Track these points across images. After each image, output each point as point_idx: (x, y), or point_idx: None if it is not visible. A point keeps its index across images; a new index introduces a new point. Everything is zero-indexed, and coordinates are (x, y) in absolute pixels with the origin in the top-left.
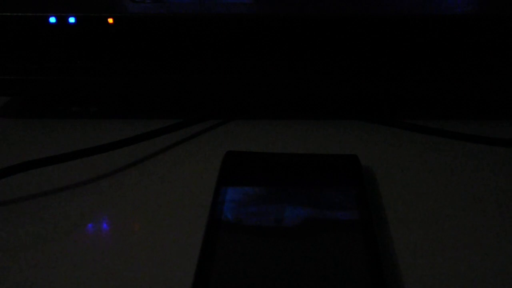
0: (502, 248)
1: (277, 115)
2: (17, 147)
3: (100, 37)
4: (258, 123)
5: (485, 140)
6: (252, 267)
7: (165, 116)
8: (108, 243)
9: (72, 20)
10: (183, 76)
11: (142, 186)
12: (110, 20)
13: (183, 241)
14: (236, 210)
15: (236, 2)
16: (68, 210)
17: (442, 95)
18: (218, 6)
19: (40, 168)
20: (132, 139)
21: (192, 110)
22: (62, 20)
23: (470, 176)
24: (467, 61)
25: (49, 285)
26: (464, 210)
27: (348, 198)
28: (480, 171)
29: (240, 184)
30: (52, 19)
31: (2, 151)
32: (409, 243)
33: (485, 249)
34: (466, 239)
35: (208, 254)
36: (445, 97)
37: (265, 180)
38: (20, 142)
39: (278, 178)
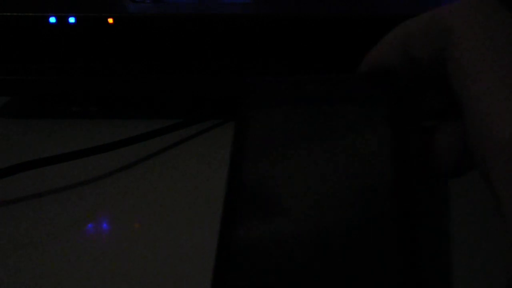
0: None
1: None
2: (17, 147)
3: (100, 37)
4: None
5: None
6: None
7: (165, 116)
8: (108, 243)
9: (72, 20)
10: (183, 76)
11: (142, 186)
12: (110, 20)
13: (184, 241)
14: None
15: (236, 2)
16: (68, 210)
17: None
18: (218, 6)
19: (40, 168)
20: (132, 139)
21: (192, 110)
22: (62, 20)
23: None
24: None
25: (49, 285)
26: None
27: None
28: None
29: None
30: (52, 19)
31: (2, 151)
32: None
33: None
34: None
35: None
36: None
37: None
38: (20, 142)
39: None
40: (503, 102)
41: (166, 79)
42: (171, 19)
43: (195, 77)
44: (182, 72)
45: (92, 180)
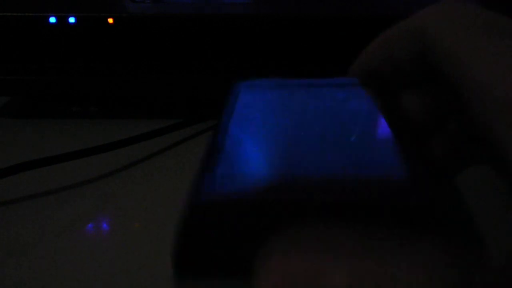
0: None
1: None
2: (17, 147)
3: (100, 37)
4: None
5: None
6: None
7: (165, 116)
8: (108, 243)
9: (72, 20)
10: (183, 76)
11: (142, 186)
12: (110, 20)
13: None
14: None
15: (236, 2)
16: (68, 210)
17: None
18: (218, 6)
19: (40, 168)
20: (132, 139)
21: (192, 110)
22: (62, 20)
23: None
24: None
25: (49, 285)
26: None
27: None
28: None
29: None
30: (52, 19)
31: (2, 151)
32: None
33: None
34: None
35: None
36: None
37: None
38: (20, 142)
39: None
40: (491, 67)
41: (166, 79)
42: (171, 19)
43: (195, 77)
44: (182, 72)
45: (92, 180)
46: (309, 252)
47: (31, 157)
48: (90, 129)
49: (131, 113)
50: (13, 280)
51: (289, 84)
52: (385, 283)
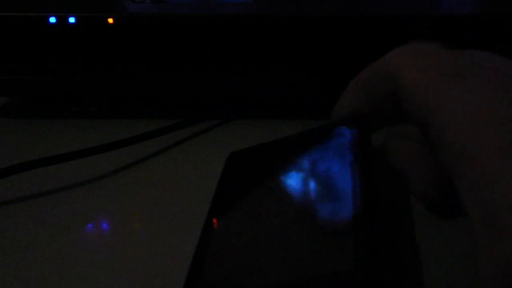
0: None
1: (277, 115)
2: (17, 147)
3: (100, 37)
4: (258, 123)
5: None
6: (245, 261)
7: (165, 116)
8: (108, 243)
9: (72, 20)
10: (183, 76)
11: (142, 186)
12: (110, 20)
13: (184, 241)
14: (234, 208)
15: (236, 2)
16: (68, 210)
17: None
18: (218, 6)
19: (40, 168)
20: (132, 139)
21: (192, 110)
22: (62, 20)
23: None
24: None
25: (49, 285)
26: None
27: (353, 174)
28: None
29: (241, 183)
30: (52, 19)
31: (2, 151)
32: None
33: None
34: None
35: (203, 249)
36: None
37: (268, 175)
38: (20, 142)
39: (282, 169)
40: (453, 115)
41: (166, 79)
42: (171, 19)
43: (195, 77)
44: (182, 72)
45: (92, 180)
46: None
47: (31, 157)
48: (90, 129)
49: (131, 113)
50: (13, 280)
51: (277, 150)
52: None
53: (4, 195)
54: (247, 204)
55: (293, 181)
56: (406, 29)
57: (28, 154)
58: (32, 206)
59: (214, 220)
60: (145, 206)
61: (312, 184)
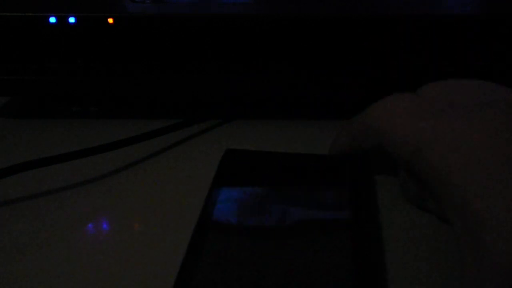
0: None
1: (277, 115)
2: (17, 147)
3: (100, 37)
4: (258, 123)
5: None
6: (238, 267)
7: (165, 116)
8: (108, 243)
9: (72, 20)
10: (183, 76)
11: (142, 186)
12: (110, 20)
13: (184, 241)
14: (228, 210)
15: (236, 2)
16: (68, 210)
17: None
18: (218, 6)
19: (40, 168)
20: (132, 139)
21: (192, 110)
22: (62, 20)
23: None
24: (465, 63)
25: (49, 285)
26: None
27: (342, 200)
28: None
29: (234, 184)
30: (52, 19)
31: (2, 151)
32: (403, 247)
33: None
34: None
35: (194, 254)
36: None
37: (261, 181)
38: (20, 142)
39: (274, 179)
40: (429, 148)
41: (166, 79)
42: (171, 19)
43: (195, 77)
44: (182, 72)
45: (92, 180)
46: None
47: (31, 157)
48: (90, 129)
49: (131, 113)
50: (13, 280)
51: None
52: None
53: (4, 195)
54: (239, 211)
55: (281, 196)
56: (406, 29)
57: (28, 154)
58: (32, 206)
59: (207, 221)
60: (145, 206)
61: (300, 202)
